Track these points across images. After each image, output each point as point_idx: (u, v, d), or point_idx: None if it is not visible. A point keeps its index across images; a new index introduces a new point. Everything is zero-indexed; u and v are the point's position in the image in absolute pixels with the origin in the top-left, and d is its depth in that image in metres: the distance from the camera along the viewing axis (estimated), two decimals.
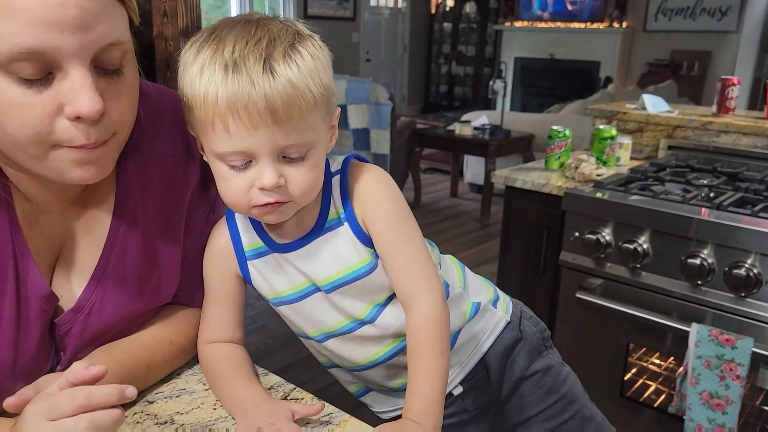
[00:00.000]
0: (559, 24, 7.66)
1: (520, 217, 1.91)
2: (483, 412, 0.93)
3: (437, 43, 9.12)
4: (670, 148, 2.14)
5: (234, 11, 6.57)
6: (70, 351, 0.73)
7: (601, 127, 2.00)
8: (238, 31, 0.65)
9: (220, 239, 0.81)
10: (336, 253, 0.76)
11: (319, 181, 0.72)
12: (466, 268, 0.95)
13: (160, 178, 0.76)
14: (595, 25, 7.37)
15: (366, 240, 0.76)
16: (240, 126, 0.64)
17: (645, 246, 1.57)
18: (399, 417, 0.70)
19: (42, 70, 0.56)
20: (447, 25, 8.97)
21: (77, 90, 0.57)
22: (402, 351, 0.82)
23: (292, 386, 0.79)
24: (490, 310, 0.92)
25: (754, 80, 6.12)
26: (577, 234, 1.68)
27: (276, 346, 2.57)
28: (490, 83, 4.47)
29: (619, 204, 1.60)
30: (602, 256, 1.64)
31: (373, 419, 0.87)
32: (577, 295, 1.67)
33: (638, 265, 1.58)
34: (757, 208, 1.49)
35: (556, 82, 7.78)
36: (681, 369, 1.50)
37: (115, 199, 0.74)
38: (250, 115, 0.63)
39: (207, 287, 0.82)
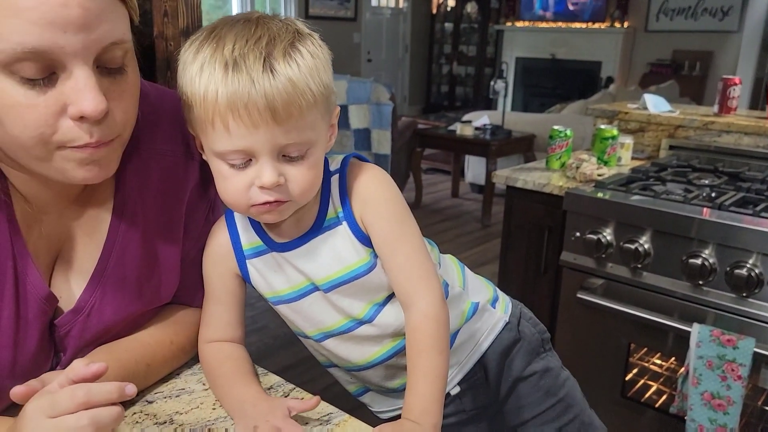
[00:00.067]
0: (560, 24, 7.66)
1: (521, 217, 1.90)
2: (481, 412, 0.93)
3: (438, 43, 9.11)
4: (671, 148, 2.13)
5: (235, 12, 6.58)
6: (70, 352, 0.73)
7: (603, 126, 2.00)
8: (238, 30, 0.65)
9: (219, 238, 0.81)
10: (334, 252, 0.76)
11: (317, 180, 0.72)
12: (466, 267, 0.95)
13: (160, 178, 0.76)
14: (596, 25, 7.37)
15: (364, 239, 0.76)
16: (240, 124, 0.63)
17: (646, 246, 1.56)
18: (398, 417, 0.70)
19: (45, 70, 0.56)
20: (448, 25, 8.97)
21: (81, 90, 0.57)
22: (401, 352, 0.82)
23: (291, 386, 0.79)
24: (488, 310, 0.91)
25: (756, 80, 6.11)
26: (578, 234, 1.68)
27: (277, 347, 2.57)
28: (492, 83, 4.46)
29: (620, 204, 1.59)
30: (603, 256, 1.64)
31: (373, 419, 0.87)
32: (578, 296, 1.67)
33: (639, 265, 1.58)
34: (758, 208, 1.49)
35: (558, 82, 7.77)
36: (682, 369, 1.50)
37: (114, 199, 0.74)
38: (250, 114, 0.63)
39: (207, 286, 0.82)
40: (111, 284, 0.73)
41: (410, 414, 0.68)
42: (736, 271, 1.42)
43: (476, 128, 4.45)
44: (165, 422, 0.71)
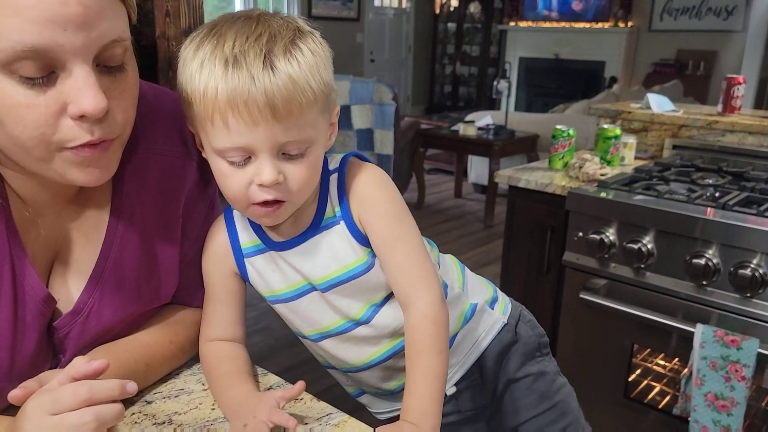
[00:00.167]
0: (563, 24, 7.64)
1: (524, 217, 1.90)
2: (478, 413, 0.93)
3: (441, 44, 9.10)
4: (674, 147, 2.12)
5: None
6: (69, 353, 0.72)
7: (606, 126, 1.99)
8: (239, 27, 0.65)
9: (218, 237, 0.80)
10: (332, 251, 0.75)
11: (315, 178, 0.72)
12: (466, 267, 0.94)
13: (158, 178, 0.76)
14: (600, 25, 7.35)
15: (362, 239, 0.75)
16: (240, 121, 0.63)
17: (649, 246, 1.55)
18: (397, 417, 0.69)
19: (44, 69, 0.56)
20: (451, 25, 8.96)
21: (81, 88, 0.57)
22: (398, 353, 0.82)
23: (291, 386, 0.79)
24: (487, 311, 0.91)
25: (760, 79, 6.08)
26: (580, 234, 1.67)
27: (278, 347, 2.57)
28: (495, 83, 4.45)
29: (623, 204, 1.59)
30: (606, 256, 1.63)
31: (373, 420, 0.87)
32: (581, 296, 1.66)
33: (642, 266, 1.57)
34: (762, 208, 1.48)
35: (561, 82, 7.76)
36: (686, 370, 1.49)
37: (112, 200, 0.73)
38: (249, 111, 0.63)
39: (207, 285, 0.82)
40: (110, 285, 0.72)
41: (409, 415, 0.67)
42: (740, 271, 1.41)
43: (479, 128, 4.44)
44: (164, 422, 0.71)
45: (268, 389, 0.79)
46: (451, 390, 0.89)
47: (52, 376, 0.61)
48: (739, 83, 2.11)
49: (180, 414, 0.72)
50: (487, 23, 8.54)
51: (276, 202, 0.69)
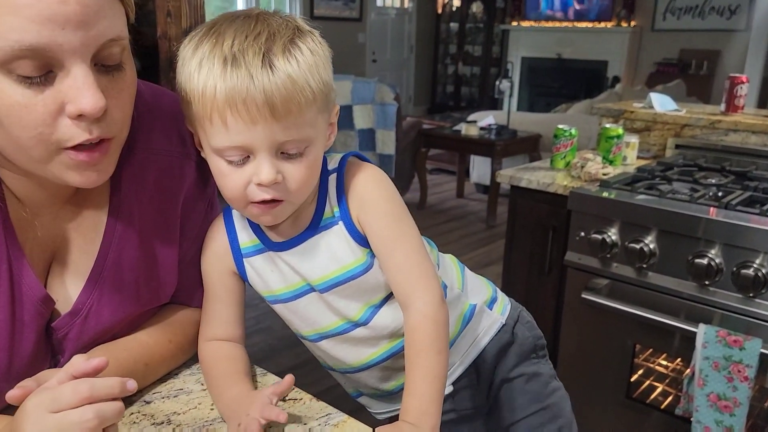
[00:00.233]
0: (566, 23, 7.63)
1: (526, 217, 1.89)
2: (475, 412, 0.93)
3: (444, 44, 9.10)
4: (677, 147, 2.11)
5: None
6: (68, 354, 0.72)
7: (608, 126, 1.99)
8: (238, 26, 0.65)
9: (217, 237, 0.80)
10: (331, 252, 0.75)
11: (315, 178, 0.71)
12: (466, 267, 0.94)
13: (156, 178, 0.75)
14: (602, 25, 7.33)
15: (361, 239, 0.75)
16: (238, 120, 0.63)
17: (651, 246, 1.55)
18: (397, 417, 0.69)
19: (42, 68, 0.56)
20: (453, 25, 8.95)
21: (79, 87, 0.57)
22: (396, 354, 0.81)
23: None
24: (486, 311, 0.91)
25: (764, 79, 6.07)
26: (582, 234, 1.67)
27: (280, 347, 2.57)
28: (497, 83, 4.45)
29: (625, 203, 1.58)
30: (608, 256, 1.62)
31: (374, 421, 0.86)
32: (583, 296, 1.66)
33: (645, 265, 1.57)
34: (765, 208, 1.47)
35: (564, 82, 7.74)
36: (688, 370, 1.48)
37: (110, 200, 0.73)
38: (248, 110, 0.62)
39: (206, 285, 0.82)
40: (108, 286, 0.72)
41: (408, 416, 0.67)
42: (743, 271, 1.40)
43: (481, 128, 4.44)
44: (162, 422, 0.70)
45: None
46: (448, 389, 0.88)
47: (50, 374, 0.61)
48: (742, 82, 2.10)
49: (179, 414, 0.72)
50: (490, 23, 8.53)
51: (274, 201, 0.69)
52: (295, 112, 0.64)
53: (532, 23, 7.94)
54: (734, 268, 1.42)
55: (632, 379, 1.70)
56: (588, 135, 3.74)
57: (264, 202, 0.68)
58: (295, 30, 0.67)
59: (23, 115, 0.56)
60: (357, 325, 0.79)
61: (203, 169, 0.77)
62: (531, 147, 4.42)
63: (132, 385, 0.58)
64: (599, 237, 1.61)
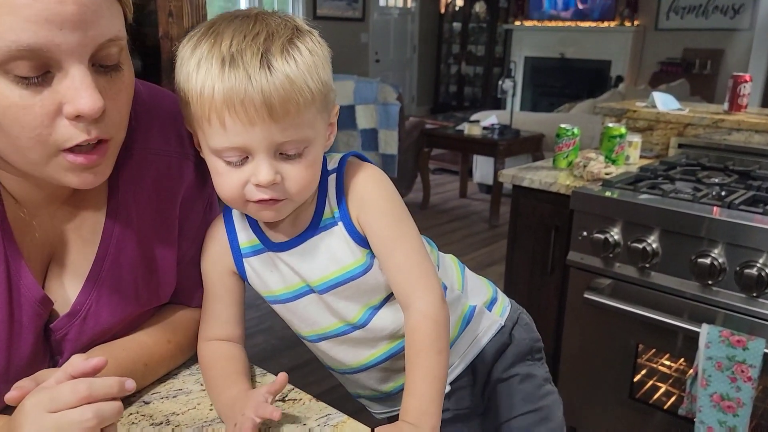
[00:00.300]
0: (569, 23, 7.61)
1: (528, 217, 1.89)
2: (471, 411, 0.93)
3: (447, 43, 9.09)
4: (680, 146, 2.11)
5: None
6: (67, 355, 0.72)
7: (611, 125, 1.98)
8: (236, 26, 0.65)
9: (216, 236, 0.80)
10: (330, 252, 0.75)
11: (315, 179, 0.71)
12: (466, 268, 0.94)
13: (154, 178, 0.75)
14: (605, 24, 7.31)
15: (360, 240, 0.75)
16: (236, 121, 0.63)
17: (654, 245, 1.54)
18: (397, 417, 0.69)
19: (40, 68, 0.56)
20: (456, 25, 8.94)
21: (77, 88, 0.57)
22: (395, 355, 0.81)
23: (290, 387, 0.78)
24: (485, 313, 0.90)
25: (767, 78, 6.04)
26: (585, 233, 1.66)
27: (282, 348, 2.57)
28: (500, 83, 4.44)
29: (628, 203, 1.57)
30: (611, 255, 1.62)
31: (375, 422, 0.86)
32: (586, 296, 1.65)
33: (647, 265, 1.56)
34: None
35: (567, 82, 7.73)
36: (691, 371, 1.48)
37: (108, 201, 0.73)
38: (246, 111, 0.62)
39: (205, 284, 0.81)
40: (107, 286, 0.72)
41: (408, 416, 0.66)
42: (746, 270, 1.40)
43: (484, 128, 4.43)
44: (161, 423, 0.70)
45: None
46: (446, 389, 0.88)
47: (48, 374, 0.61)
48: (746, 81, 2.09)
49: (178, 414, 0.72)
50: (493, 23, 8.52)
51: (274, 200, 0.68)
52: (294, 113, 0.64)
53: (535, 23, 7.92)
54: (737, 268, 1.42)
55: (635, 379, 1.69)
56: (591, 135, 3.73)
57: (262, 201, 0.68)
58: (294, 30, 0.66)
59: (21, 116, 0.56)
60: (355, 327, 0.79)
61: (202, 169, 0.77)
62: (534, 147, 4.41)
63: (131, 384, 0.58)
64: (602, 237, 1.61)
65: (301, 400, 0.76)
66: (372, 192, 0.75)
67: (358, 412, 0.90)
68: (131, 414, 0.72)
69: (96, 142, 0.61)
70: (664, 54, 6.98)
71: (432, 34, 9.09)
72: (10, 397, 0.58)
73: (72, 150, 0.60)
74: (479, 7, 8.67)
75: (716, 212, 1.47)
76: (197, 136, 0.70)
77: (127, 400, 0.73)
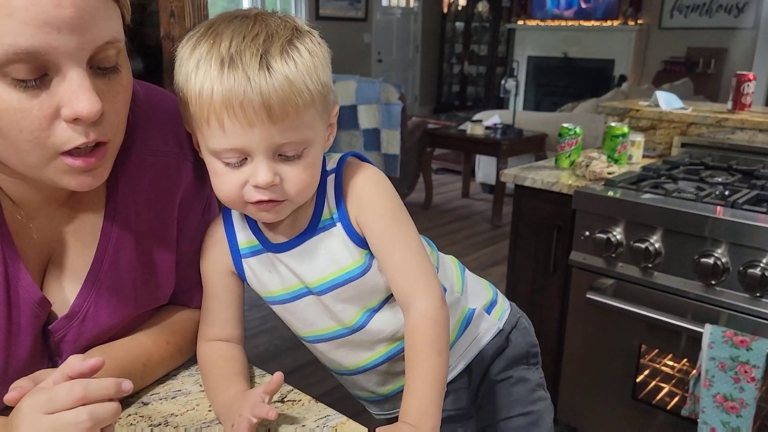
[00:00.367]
0: (572, 22, 7.60)
1: (530, 217, 1.88)
2: (465, 412, 0.92)
3: (449, 43, 9.08)
4: (683, 145, 2.10)
5: None
6: (66, 357, 0.71)
7: (613, 124, 1.97)
8: (236, 26, 0.64)
9: (216, 236, 0.80)
10: (329, 254, 0.75)
11: (315, 180, 0.71)
12: (466, 269, 0.93)
13: (152, 179, 0.75)
14: (609, 23, 7.29)
15: (359, 241, 0.74)
16: (235, 123, 0.63)
17: (657, 245, 1.53)
18: (396, 418, 0.68)
19: (37, 71, 0.55)
20: (459, 25, 8.93)
21: (75, 91, 0.57)
22: (393, 357, 0.81)
23: (289, 387, 0.78)
24: (484, 316, 0.90)
25: None
26: (587, 233, 1.66)
27: (285, 348, 2.57)
28: (502, 82, 4.43)
29: (630, 202, 1.57)
30: (613, 255, 1.61)
31: (375, 422, 0.86)
32: (588, 296, 1.65)
33: (650, 265, 1.55)
34: None
35: (570, 81, 7.71)
36: (694, 371, 1.47)
37: (106, 202, 0.72)
38: (245, 112, 0.62)
39: (205, 284, 0.81)
40: (105, 288, 0.72)
41: (407, 417, 0.66)
42: (750, 270, 1.39)
43: (487, 128, 4.42)
44: (160, 424, 0.70)
45: None
46: None
47: (46, 374, 0.60)
48: (749, 80, 2.08)
49: (176, 416, 0.72)
50: (496, 22, 8.51)
51: (273, 202, 0.68)
52: (293, 115, 0.64)
53: (538, 22, 7.91)
54: (741, 268, 1.41)
55: (638, 380, 1.68)
56: (594, 134, 3.72)
57: (261, 202, 0.68)
58: (294, 30, 0.66)
59: (18, 119, 0.56)
60: (352, 330, 0.79)
61: (200, 169, 0.76)
62: (537, 146, 4.40)
63: (127, 385, 0.57)
64: (604, 236, 1.60)
65: (300, 401, 0.75)
66: (371, 192, 0.74)
67: (360, 413, 0.90)
68: (130, 415, 0.71)
69: (94, 145, 0.61)
70: (667, 53, 6.96)
71: (435, 34, 9.08)
72: (8, 397, 0.58)
73: (70, 153, 0.60)
74: (482, 7, 8.66)
75: (719, 212, 1.46)
76: (196, 137, 0.70)
77: (126, 401, 0.73)
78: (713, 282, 1.46)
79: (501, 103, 7.78)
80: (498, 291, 0.96)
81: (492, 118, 4.64)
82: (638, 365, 1.66)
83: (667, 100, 2.22)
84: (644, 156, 2.03)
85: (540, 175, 1.84)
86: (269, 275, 0.78)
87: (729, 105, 2.12)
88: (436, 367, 0.69)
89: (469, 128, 4.40)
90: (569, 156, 1.95)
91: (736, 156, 1.96)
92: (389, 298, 0.78)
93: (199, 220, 0.81)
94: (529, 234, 1.89)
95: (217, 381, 0.74)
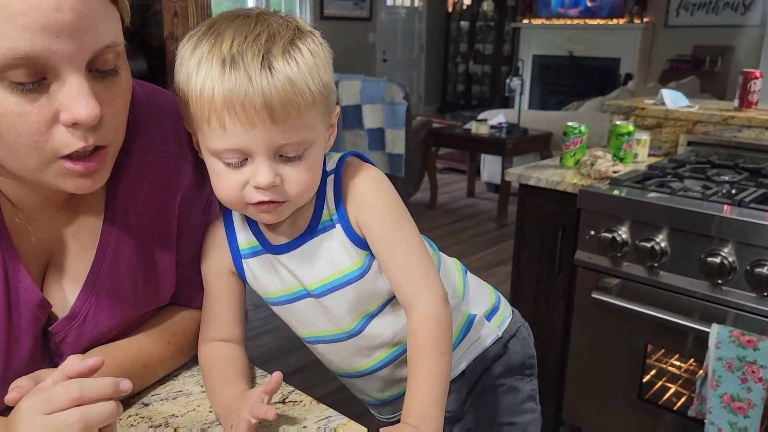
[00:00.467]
0: (577, 21, 7.57)
1: (535, 216, 1.87)
2: (454, 415, 0.92)
3: (454, 42, 9.07)
4: (689, 144, 2.08)
5: None
6: (66, 358, 0.72)
7: (618, 122, 1.96)
8: (237, 26, 0.64)
9: (216, 237, 0.80)
10: (328, 255, 0.74)
11: (315, 181, 0.70)
12: (469, 272, 0.92)
13: (151, 179, 0.74)
14: (614, 21, 7.26)
15: (359, 242, 0.74)
16: (236, 123, 0.62)
17: (663, 244, 1.52)
18: (398, 420, 0.68)
19: (36, 75, 0.55)
20: (464, 24, 8.92)
21: (74, 96, 0.56)
22: (393, 362, 0.81)
23: (290, 388, 0.78)
24: (484, 323, 0.89)
25: None
26: (592, 232, 1.64)
27: (289, 348, 2.57)
28: (507, 81, 4.41)
29: (636, 201, 1.56)
30: (619, 255, 1.60)
31: (378, 423, 0.85)
32: (593, 296, 1.63)
33: (656, 264, 1.54)
34: None
35: (575, 80, 7.69)
36: (701, 371, 1.46)
37: (105, 204, 0.72)
38: (246, 113, 0.62)
39: (205, 284, 0.81)
40: (105, 290, 0.71)
41: (410, 418, 0.65)
42: (757, 269, 1.38)
43: (492, 127, 4.41)
44: (160, 425, 0.70)
45: None
46: None
47: (47, 374, 0.60)
48: (756, 78, 2.07)
49: (177, 416, 0.71)
50: (500, 21, 8.49)
51: (274, 203, 0.68)
52: (294, 115, 0.63)
53: (544, 21, 7.88)
54: (748, 267, 1.40)
55: (644, 380, 1.67)
56: (600, 133, 3.70)
57: (262, 203, 0.67)
58: (296, 31, 0.66)
59: (17, 123, 0.56)
60: (350, 335, 0.79)
61: (200, 169, 0.76)
62: (542, 145, 4.39)
63: (126, 385, 0.57)
64: (609, 236, 1.59)
65: (301, 402, 0.75)
66: (370, 193, 0.74)
67: (363, 415, 0.90)
68: (130, 416, 0.71)
69: (93, 149, 0.61)
70: (673, 51, 6.92)
71: (439, 33, 9.07)
72: (8, 398, 0.58)
73: (70, 157, 0.60)
74: (487, 6, 8.64)
75: (726, 210, 1.45)
76: (196, 137, 0.69)
77: (127, 402, 0.73)
78: (720, 281, 1.44)
79: (506, 102, 7.76)
80: (501, 296, 0.96)
81: (497, 117, 4.63)
82: (644, 365, 1.65)
83: (672, 98, 2.20)
84: (650, 154, 2.01)
85: (545, 174, 1.83)
86: (269, 276, 0.78)
87: (736, 103, 2.10)
88: (438, 368, 0.68)
89: (474, 127, 4.39)
90: (574, 155, 1.93)
91: (743, 154, 1.94)
92: (388, 303, 0.78)
93: (199, 220, 0.81)
94: (534, 233, 1.88)
95: (217, 381, 0.74)
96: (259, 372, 0.81)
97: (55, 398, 0.54)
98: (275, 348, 2.59)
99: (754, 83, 2.06)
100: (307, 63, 0.64)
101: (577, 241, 1.70)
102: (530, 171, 1.88)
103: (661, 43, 7.04)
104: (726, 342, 1.39)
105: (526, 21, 8.05)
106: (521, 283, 1.94)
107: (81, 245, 0.71)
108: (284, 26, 0.65)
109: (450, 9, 8.99)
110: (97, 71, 0.59)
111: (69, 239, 0.71)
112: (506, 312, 0.94)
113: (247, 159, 0.65)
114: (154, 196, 0.75)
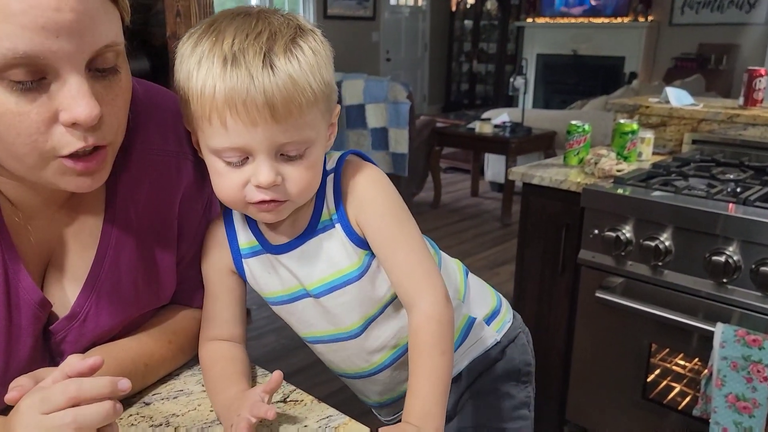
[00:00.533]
0: (582, 19, 7.55)
1: (538, 215, 1.86)
2: (449, 416, 0.91)
3: (458, 41, 9.06)
4: (694, 142, 2.07)
5: None
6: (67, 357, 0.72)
7: (622, 121, 1.95)
8: (238, 24, 0.64)
9: (216, 236, 0.80)
10: (328, 255, 0.74)
11: (316, 180, 0.70)
12: (471, 273, 0.92)
13: (152, 178, 0.74)
14: (619, 20, 7.24)
15: (359, 242, 0.74)
16: (238, 121, 0.62)
17: (667, 243, 1.51)
18: (399, 420, 0.68)
19: (35, 74, 0.55)
20: (468, 23, 8.91)
21: (74, 96, 0.56)
22: (393, 364, 0.81)
23: (292, 387, 0.77)
24: (483, 327, 0.89)
25: None
26: (596, 231, 1.64)
27: (292, 347, 2.57)
28: (511, 80, 4.40)
29: (640, 200, 1.55)
30: (623, 254, 1.59)
31: (379, 423, 0.85)
32: (597, 295, 1.63)
33: (660, 263, 1.53)
34: None
35: (580, 79, 7.66)
36: (706, 371, 1.45)
37: (106, 203, 0.72)
38: (248, 111, 0.61)
39: (206, 284, 0.81)
40: (106, 289, 0.71)
41: (411, 417, 0.65)
42: (762, 268, 1.37)
43: (495, 126, 4.40)
44: (161, 424, 0.70)
45: None
46: None
47: (47, 372, 0.60)
48: (761, 75, 2.05)
49: (178, 416, 0.71)
50: (504, 20, 8.47)
51: (274, 202, 0.67)
52: (296, 114, 0.63)
53: (547, 19, 7.86)
54: (753, 266, 1.39)
55: (649, 380, 1.66)
56: (604, 132, 3.68)
57: (263, 202, 0.67)
58: (297, 29, 0.65)
59: (16, 122, 0.56)
60: (349, 336, 0.79)
61: (200, 168, 0.76)
62: (546, 144, 4.37)
63: (124, 385, 0.57)
64: (613, 235, 1.58)
65: (302, 401, 0.75)
66: (370, 192, 0.73)
67: (366, 414, 0.89)
68: (131, 415, 0.71)
69: (93, 148, 0.61)
70: (678, 49, 6.89)
71: (443, 32, 9.06)
72: (9, 397, 0.58)
73: (69, 156, 0.59)
74: (490, 5, 8.63)
75: (731, 209, 1.44)
76: (196, 136, 0.69)
77: (127, 401, 0.73)
78: (725, 280, 1.43)
79: (510, 101, 7.74)
80: (503, 299, 0.95)
81: (501, 116, 4.61)
82: (649, 365, 1.64)
83: (677, 97, 2.19)
84: (654, 153, 2.01)
85: (548, 173, 1.82)
86: (269, 276, 0.78)
87: (741, 101, 2.09)
88: (439, 367, 0.68)
89: (478, 127, 4.38)
90: (578, 153, 1.93)
91: (748, 152, 1.93)
92: (388, 306, 0.77)
93: (199, 219, 0.81)
94: (538, 232, 1.87)
95: (217, 381, 0.74)
96: (261, 371, 0.81)
97: (52, 398, 0.54)
98: (278, 347, 2.59)
99: (759, 81, 2.05)
100: (309, 61, 0.64)
101: (581, 240, 1.69)
102: (534, 170, 1.87)
103: (666, 42, 7.01)
104: (731, 341, 1.38)
105: (530, 20, 8.03)
106: (525, 282, 1.93)
107: (81, 245, 0.71)
108: (285, 24, 0.65)
109: (454, 8, 8.97)
110: (96, 70, 0.59)
111: (69, 239, 0.71)
112: (507, 316, 0.93)
113: (247, 158, 0.65)
114: (155, 195, 0.75)
